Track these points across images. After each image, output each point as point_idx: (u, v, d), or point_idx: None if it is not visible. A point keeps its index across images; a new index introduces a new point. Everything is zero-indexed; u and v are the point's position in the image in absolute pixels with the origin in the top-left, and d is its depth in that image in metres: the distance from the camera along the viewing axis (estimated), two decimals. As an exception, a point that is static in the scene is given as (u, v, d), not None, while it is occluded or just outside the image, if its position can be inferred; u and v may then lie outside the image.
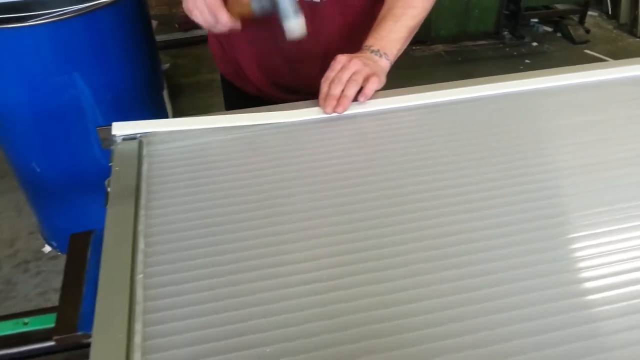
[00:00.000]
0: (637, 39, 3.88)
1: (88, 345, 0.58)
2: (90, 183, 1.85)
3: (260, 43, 1.16)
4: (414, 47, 3.71)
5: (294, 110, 0.95)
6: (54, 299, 2.00)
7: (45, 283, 2.07)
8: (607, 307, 0.61)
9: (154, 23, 1.82)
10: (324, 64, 0.97)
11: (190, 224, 0.72)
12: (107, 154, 0.88)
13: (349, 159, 0.85)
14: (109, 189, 0.81)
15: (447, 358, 0.56)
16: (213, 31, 0.96)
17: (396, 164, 0.84)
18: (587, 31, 3.90)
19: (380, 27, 1.03)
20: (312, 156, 0.86)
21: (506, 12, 3.81)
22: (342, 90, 0.93)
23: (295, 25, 0.94)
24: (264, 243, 0.70)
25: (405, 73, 3.37)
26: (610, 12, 4.17)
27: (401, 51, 1.05)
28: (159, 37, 2.04)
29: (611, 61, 1.17)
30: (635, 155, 0.85)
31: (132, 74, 1.88)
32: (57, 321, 0.65)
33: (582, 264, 0.67)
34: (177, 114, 2.70)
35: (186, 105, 2.94)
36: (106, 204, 0.79)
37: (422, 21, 1.08)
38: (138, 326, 0.58)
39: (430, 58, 3.67)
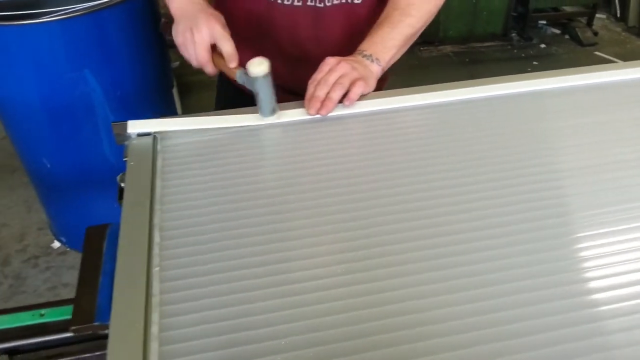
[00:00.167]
0: (646, 42, 3.88)
1: (105, 337, 0.59)
2: (99, 179, 1.87)
3: (262, 45, 1.17)
4: (422, 48, 3.71)
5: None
6: (63, 294, 2.01)
7: (54, 278, 2.08)
8: (609, 306, 0.62)
9: (162, 21, 1.83)
10: None
11: (205, 218, 0.74)
12: (116, 151, 0.90)
13: (350, 159, 0.86)
14: (122, 184, 0.82)
15: (458, 353, 0.57)
16: None
17: (400, 163, 0.84)
18: (595, 33, 3.89)
19: (376, 33, 1.03)
20: (322, 154, 0.87)
21: (514, 14, 3.80)
22: (328, 93, 0.93)
23: (267, 117, 0.93)
24: (277, 238, 0.71)
25: (413, 73, 3.40)
26: (618, 15, 4.15)
27: (395, 58, 1.05)
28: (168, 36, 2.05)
29: (620, 63, 1.18)
30: (639, 157, 0.85)
31: (142, 71, 1.90)
32: (75, 312, 0.66)
33: (584, 265, 0.68)
34: (186, 111, 2.72)
35: (194, 102, 2.95)
36: (119, 198, 0.80)
37: (420, 30, 1.08)
38: (155, 317, 0.59)
39: (438, 59, 3.67)
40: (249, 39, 1.11)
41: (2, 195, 2.48)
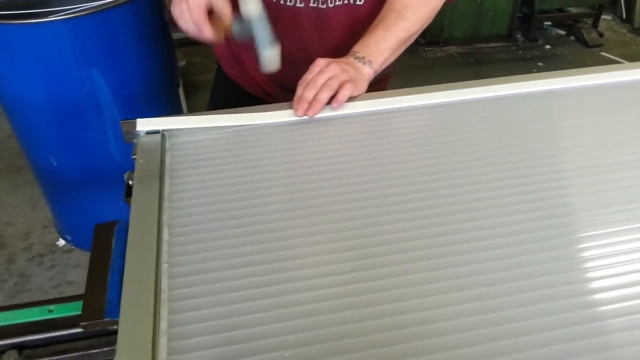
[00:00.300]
0: (651, 43, 3.87)
1: (114, 332, 0.59)
2: (105, 178, 1.87)
3: None
4: (426, 49, 3.72)
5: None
6: (68, 292, 2.02)
7: (59, 276, 2.09)
8: (610, 306, 0.62)
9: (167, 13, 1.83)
10: None
11: (213, 215, 0.74)
12: (123, 150, 0.90)
13: (351, 158, 0.87)
14: (130, 182, 0.82)
15: (459, 352, 0.57)
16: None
17: (401, 163, 0.85)
18: (601, 35, 3.89)
19: (370, 35, 1.03)
20: (325, 152, 0.87)
21: (520, 15, 3.81)
22: (316, 94, 0.93)
23: (269, 54, 0.94)
24: (286, 236, 0.71)
25: (418, 73, 3.40)
26: (624, 16, 4.15)
27: (389, 61, 1.05)
28: (175, 35, 2.06)
29: (626, 63, 1.18)
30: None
31: (148, 70, 1.91)
32: (84, 308, 0.66)
33: (584, 265, 0.67)
34: (191, 110, 2.72)
35: (200, 102, 2.96)
36: (127, 196, 0.81)
37: (416, 34, 1.07)
38: (164, 313, 0.60)
39: (443, 59, 3.68)
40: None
41: (7, 194, 2.50)
